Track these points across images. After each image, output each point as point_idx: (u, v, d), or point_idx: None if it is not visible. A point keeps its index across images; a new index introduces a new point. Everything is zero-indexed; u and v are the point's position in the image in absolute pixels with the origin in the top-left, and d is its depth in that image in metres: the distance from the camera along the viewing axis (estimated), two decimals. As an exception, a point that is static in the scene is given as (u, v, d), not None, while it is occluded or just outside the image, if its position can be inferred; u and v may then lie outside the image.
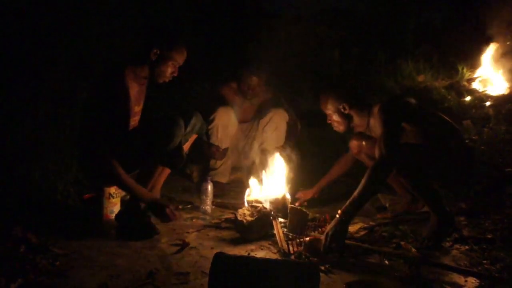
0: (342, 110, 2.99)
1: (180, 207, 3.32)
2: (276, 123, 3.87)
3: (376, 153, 2.56)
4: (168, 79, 2.86)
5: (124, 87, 2.70)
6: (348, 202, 2.47)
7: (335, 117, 3.04)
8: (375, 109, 2.85)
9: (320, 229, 2.80)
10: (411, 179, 2.68)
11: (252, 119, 4.05)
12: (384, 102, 2.84)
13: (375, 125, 2.85)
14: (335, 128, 3.11)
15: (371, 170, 2.50)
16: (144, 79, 2.85)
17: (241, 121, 4.01)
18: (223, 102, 3.91)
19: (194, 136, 3.05)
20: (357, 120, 3.01)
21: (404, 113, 2.75)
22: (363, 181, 2.48)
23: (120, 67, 2.74)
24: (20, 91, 3.77)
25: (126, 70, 2.73)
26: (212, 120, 3.74)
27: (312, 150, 4.45)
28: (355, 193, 2.48)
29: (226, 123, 3.80)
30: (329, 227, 2.46)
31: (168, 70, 2.80)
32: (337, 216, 2.46)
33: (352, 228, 2.86)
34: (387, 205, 3.34)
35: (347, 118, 3.01)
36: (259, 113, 4.00)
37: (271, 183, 3.15)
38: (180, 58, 2.82)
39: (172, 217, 2.67)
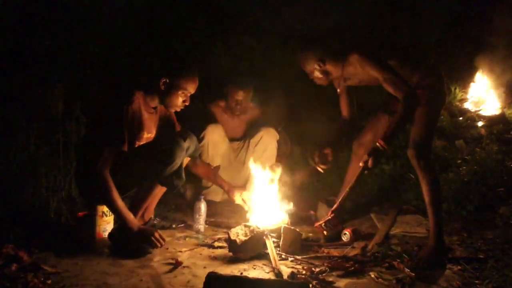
0: (319, 67, 3.10)
1: (173, 226, 3.30)
2: (266, 143, 3.86)
3: (398, 94, 2.79)
4: (180, 108, 2.85)
5: (132, 109, 2.68)
6: (387, 131, 2.79)
7: (315, 74, 3.15)
8: (352, 58, 2.98)
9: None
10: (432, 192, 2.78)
11: (242, 136, 4.06)
12: (358, 49, 2.98)
13: (356, 71, 3.02)
14: (317, 83, 3.21)
15: (405, 105, 2.75)
16: (153, 109, 2.84)
17: (231, 139, 4.01)
18: (212, 120, 3.92)
19: (187, 159, 3.05)
20: (334, 71, 3.13)
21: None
22: (398, 115, 2.77)
23: (131, 90, 2.72)
24: (12, 107, 3.77)
25: (137, 94, 2.72)
26: (202, 138, 3.72)
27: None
28: (394, 122, 2.79)
29: (216, 141, 3.79)
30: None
31: (179, 99, 2.78)
32: (377, 144, 2.76)
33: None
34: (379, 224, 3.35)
35: (325, 73, 3.13)
36: (250, 130, 4.01)
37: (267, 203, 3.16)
38: (190, 87, 2.78)
39: (159, 243, 2.68)
